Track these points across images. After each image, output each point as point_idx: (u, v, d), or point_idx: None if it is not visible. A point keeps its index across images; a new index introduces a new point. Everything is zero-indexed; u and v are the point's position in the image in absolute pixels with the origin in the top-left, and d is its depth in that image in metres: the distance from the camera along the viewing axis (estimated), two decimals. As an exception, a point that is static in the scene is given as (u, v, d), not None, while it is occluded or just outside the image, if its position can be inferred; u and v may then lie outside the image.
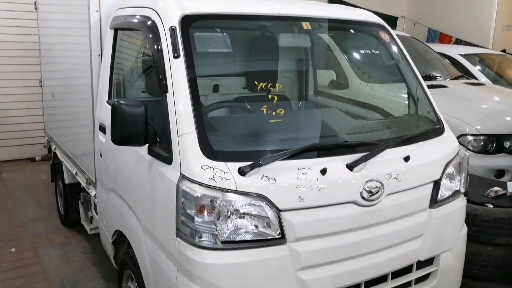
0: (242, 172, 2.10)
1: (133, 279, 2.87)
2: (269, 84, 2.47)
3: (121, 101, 2.26)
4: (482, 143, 4.33)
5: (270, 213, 2.13)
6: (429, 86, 5.28)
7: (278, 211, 2.14)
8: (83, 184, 3.88)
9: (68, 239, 4.61)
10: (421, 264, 2.65)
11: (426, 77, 5.66)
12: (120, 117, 2.24)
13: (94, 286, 3.77)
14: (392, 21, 10.75)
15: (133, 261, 2.76)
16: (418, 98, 3.04)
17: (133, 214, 2.70)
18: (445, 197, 2.69)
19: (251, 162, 2.11)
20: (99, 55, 3.29)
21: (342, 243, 2.30)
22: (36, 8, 5.24)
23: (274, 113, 2.38)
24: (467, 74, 6.63)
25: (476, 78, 6.53)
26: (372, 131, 2.81)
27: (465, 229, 2.89)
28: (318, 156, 2.30)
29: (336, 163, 2.31)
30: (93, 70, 3.32)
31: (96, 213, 3.60)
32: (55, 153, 4.92)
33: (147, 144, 2.37)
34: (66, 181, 4.50)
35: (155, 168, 2.36)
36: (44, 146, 5.87)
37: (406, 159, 2.50)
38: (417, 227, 2.57)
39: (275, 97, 2.44)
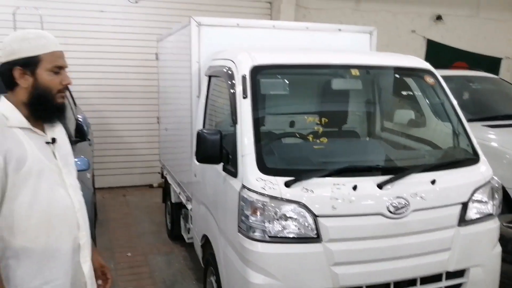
0: (287, 184, 2.76)
1: (213, 274, 3.59)
2: (316, 119, 3.12)
3: (204, 130, 3.07)
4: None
5: (308, 217, 2.74)
6: (506, 125, 5.51)
7: (315, 216, 2.75)
8: (184, 201, 4.75)
9: (172, 249, 5.52)
10: (450, 275, 3.04)
11: (506, 117, 5.83)
12: (202, 141, 3.03)
13: (188, 285, 4.58)
14: (495, 62, 10.66)
15: (214, 258, 3.49)
16: (459, 133, 3.46)
17: (213, 220, 3.45)
18: (474, 218, 3.08)
19: (295, 177, 2.76)
20: (197, 96, 4.17)
21: (371, 247, 2.83)
22: (157, 58, 6.40)
23: (318, 141, 3.02)
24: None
25: None
26: (407, 159, 3.31)
27: (498, 248, 3.21)
28: (352, 176, 2.88)
29: (367, 182, 2.87)
30: (192, 108, 4.21)
31: (192, 224, 4.42)
32: (165, 177, 5.92)
33: (222, 163, 3.13)
34: (173, 200, 5.43)
35: (227, 181, 3.10)
36: (159, 173, 6.92)
37: (433, 182, 2.97)
38: (444, 241, 2.99)
39: (320, 128, 3.08)
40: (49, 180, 1.98)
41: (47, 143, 2.05)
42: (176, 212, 5.38)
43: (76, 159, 3.42)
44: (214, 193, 3.45)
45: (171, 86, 5.46)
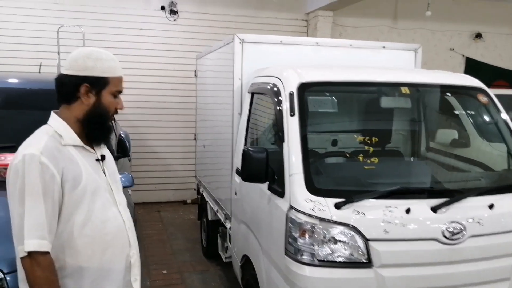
0: (337, 206, 2.65)
1: (254, 296, 3.49)
2: (366, 138, 3.02)
3: (249, 148, 3.00)
4: None
5: (359, 241, 2.62)
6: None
7: (366, 240, 2.63)
8: (222, 219, 4.67)
9: (207, 267, 5.44)
10: (510, 307, 2.86)
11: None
12: (248, 159, 2.96)
13: (224, 306, 4.48)
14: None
15: (255, 280, 3.38)
16: (515, 154, 3.30)
17: (256, 240, 3.36)
18: (535, 245, 2.90)
19: (345, 199, 2.66)
20: (239, 114, 4.11)
21: (425, 274, 2.68)
22: (195, 75, 6.42)
23: (369, 161, 2.91)
24: None
25: None
26: (461, 181, 3.16)
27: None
28: (405, 198, 2.75)
29: (421, 205, 2.73)
30: (234, 125, 4.16)
31: (230, 243, 4.34)
32: (202, 194, 5.87)
33: (268, 182, 3.05)
34: (209, 218, 5.36)
35: (272, 201, 3.01)
36: (194, 189, 6.89)
37: (491, 206, 2.81)
38: (503, 270, 2.82)
39: (371, 148, 2.97)
40: (102, 199, 1.96)
41: (97, 160, 2.03)
42: (213, 230, 5.31)
43: (120, 176, 3.41)
44: (257, 213, 3.36)
45: (210, 103, 5.44)
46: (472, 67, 9.72)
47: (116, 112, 2.08)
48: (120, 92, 2.04)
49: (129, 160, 5.33)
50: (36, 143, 1.84)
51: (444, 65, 9.41)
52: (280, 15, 8.45)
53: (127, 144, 4.13)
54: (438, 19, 9.09)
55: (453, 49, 9.69)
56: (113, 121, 5.20)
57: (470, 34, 9.76)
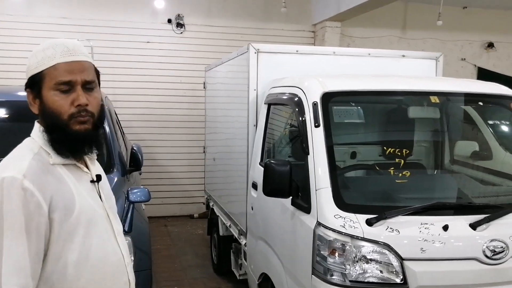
0: (369, 222, 2.47)
1: (273, 317, 3.29)
2: (397, 150, 2.84)
3: (272, 161, 2.82)
4: None
5: (393, 260, 2.43)
6: None
7: (401, 259, 2.43)
8: (235, 235, 4.47)
9: (219, 284, 5.23)
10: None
11: None
12: (270, 173, 2.78)
13: (239, 326, 4.27)
14: None
15: (275, 300, 3.19)
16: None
17: (276, 257, 3.17)
18: None
19: (378, 215, 2.47)
20: (254, 126, 3.94)
21: (465, 297, 2.48)
22: (204, 87, 6.26)
23: (400, 175, 2.73)
24: None
25: None
26: (499, 196, 2.97)
27: None
28: (441, 214, 2.56)
29: (459, 222, 2.54)
30: (249, 138, 3.98)
31: (245, 260, 4.14)
32: (212, 209, 5.67)
33: (291, 197, 2.86)
34: (221, 233, 5.15)
35: (296, 217, 2.83)
36: (203, 203, 6.70)
37: (534, 223, 2.62)
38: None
39: (402, 161, 2.79)
40: (99, 230, 1.59)
41: (92, 181, 1.66)
42: (224, 246, 5.10)
43: (136, 190, 3.24)
44: (279, 229, 3.17)
45: (222, 116, 5.26)
46: (485, 77, 9.53)
47: (81, 111, 1.54)
48: (66, 83, 1.51)
49: (140, 174, 5.15)
50: (17, 163, 1.47)
51: (456, 76, 9.19)
52: (286, 27, 8.32)
53: (140, 157, 3.96)
54: (449, 28, 8.93)
55: (464, 59, 9.53)
56: (122, 133, 4.80)
57: (481, 44, 9.60)
